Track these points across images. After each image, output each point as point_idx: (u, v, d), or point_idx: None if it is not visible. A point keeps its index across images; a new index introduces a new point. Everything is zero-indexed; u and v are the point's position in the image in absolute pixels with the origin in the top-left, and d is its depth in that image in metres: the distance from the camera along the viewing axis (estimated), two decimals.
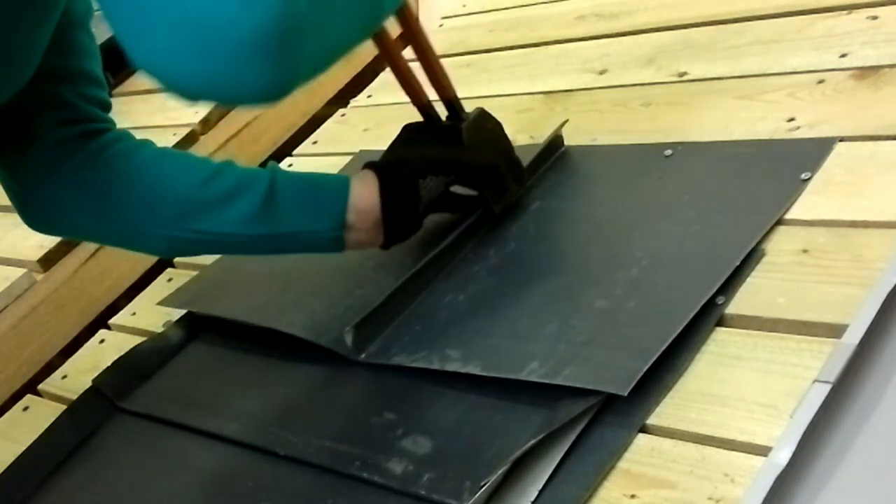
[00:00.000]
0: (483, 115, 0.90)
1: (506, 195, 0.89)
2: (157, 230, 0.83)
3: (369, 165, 0.86)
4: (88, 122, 0.84)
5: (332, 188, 0.84)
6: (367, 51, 1.52)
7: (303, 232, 0.83)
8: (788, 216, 0.76)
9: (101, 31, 1.64)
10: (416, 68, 0.90)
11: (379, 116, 1.19)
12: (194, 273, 1.08)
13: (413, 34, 0.88)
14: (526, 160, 0.93)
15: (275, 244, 0.84)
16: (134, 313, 1.11)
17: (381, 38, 0.87)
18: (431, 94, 0.90)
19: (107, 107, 0.86)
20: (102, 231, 0.86)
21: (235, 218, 0.81)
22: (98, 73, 0.85)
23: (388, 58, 0.89)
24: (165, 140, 1.38)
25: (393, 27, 0.88)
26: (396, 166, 0.87)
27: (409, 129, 0.91)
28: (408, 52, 0.91)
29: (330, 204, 0.83)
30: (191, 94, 0.57)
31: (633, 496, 0.62)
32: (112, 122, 0.86)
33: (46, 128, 0.81)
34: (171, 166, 0.84)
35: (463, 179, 0.88)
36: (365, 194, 0.84)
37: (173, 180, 0.83)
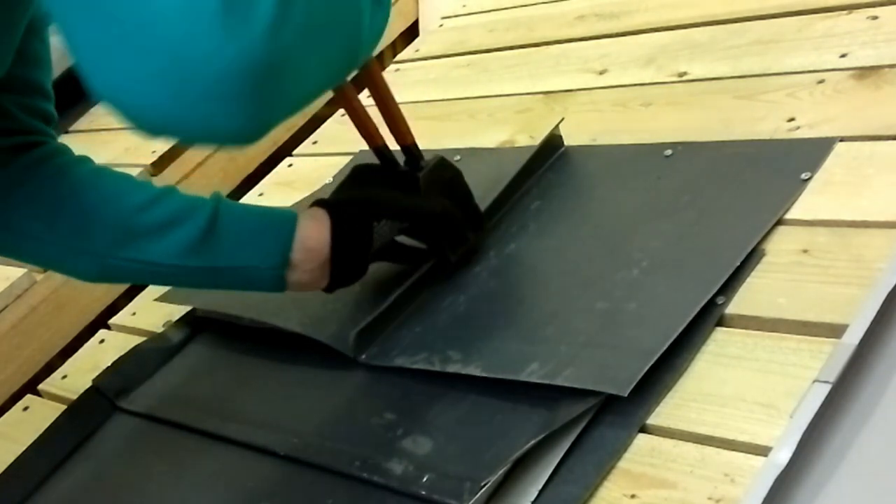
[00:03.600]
0: (442, 164, 0.86)
1: (463, 244, 0.86)
2: (86, 256, 0.78)
3: (319, 203, 0.81)
4: (25, 135, 0.79)
5: (278, 223, 0.79)
6: None
7: (243, 268, 0.79)
8: (788, 216, 0.76)
9: None
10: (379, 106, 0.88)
11: (379, 116, 1.19)
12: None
13: (373, 79, 0.86)
14: (523, 160, 0.93)
15: (212, 279, 0.79)
16: (134, 313, 1.11)
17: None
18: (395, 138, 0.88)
19: (51, 119, 0.82)
20: (25, 251, 0.81)
21: (171, 249, 0.77)
22: (46, 83, 0.81)
23: (342, 99, 0.87)
24: (165, 142, 1.38)
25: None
26: (349, 206, 0.82)
27: (360, 171, 0.87)
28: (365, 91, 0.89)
29: (275, 240, 0.79)
30: (152, 129, 0.52)
31: (633, 496, 0.62)
32: (52, 136, 0.82)
33: None
34: (107, 189, 0.79)
35: (416, 227, 0.84)
36: (314, 233, 0.79)
37: (106, 205, 0.78)
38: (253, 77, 0.49)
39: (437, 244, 0.86)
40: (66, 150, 0.82)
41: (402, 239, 0.85)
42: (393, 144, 0.87)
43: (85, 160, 0.82)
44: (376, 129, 0.87)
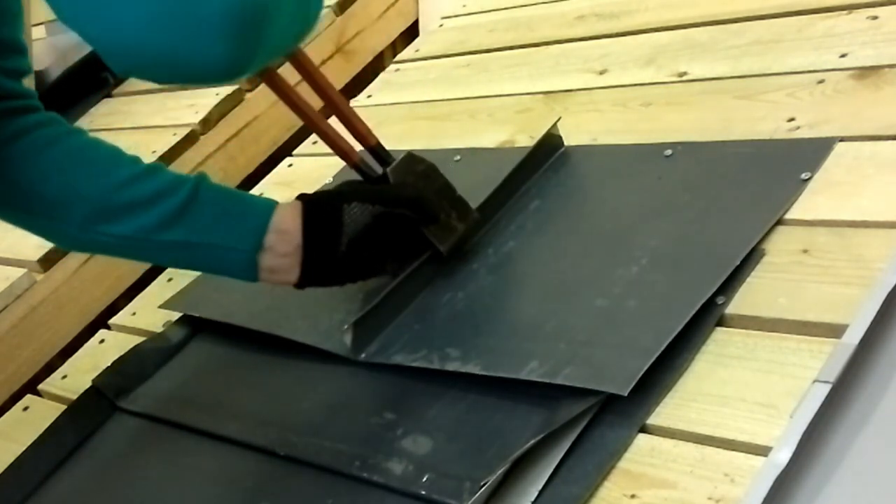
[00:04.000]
0: (411, 158, 0.86)
1: (451, 234, 0.85)
2: (66, 229, 0.79)
3: (298, 197, 0.83)
4: (8, 100, 0.79)
5: (255, 207, 0.82)
6: (366, 52, 1.54)
7: (216, 246, 0.80)
8: (788, 216, 0.76)
9: None
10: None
11: (379, 116, 1.19)
12: (196, 274, 1.08)
13: (321, 87, 0.85)
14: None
15: (185, 255, 0.80)
16: (134, 313, 1.11)
17: (302, 108, 0.85)
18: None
19: (25, 73, 0.81)
20: (9, 217, 0.82)
21: (146, 224, 0.78)
22: (19, 37, 0.80)
23: (313, 125, 0.86)
24: (165, 140, 1.38)
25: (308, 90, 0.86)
26: (320, 194, 0.84)
27: (341, 184, 0.88)
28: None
29: (251, 220, 0.80)
30: (145, 66, 0.57)
31: (633, 496, 0.62)
32: (37, 102, 0.82)
33: None
34: (92, 165, 0.80)
35: (391, 211, 0.82)
36: (287, 217, 0.80)
37: (88, 181, 0.79)
38: (243, 18, 0.57)
39: (421, 234, 0.84)
40: (55, 121, 0.82)
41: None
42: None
43: (77, 132, 0.82)
44: (350, 147, 0.87)
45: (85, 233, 0.79)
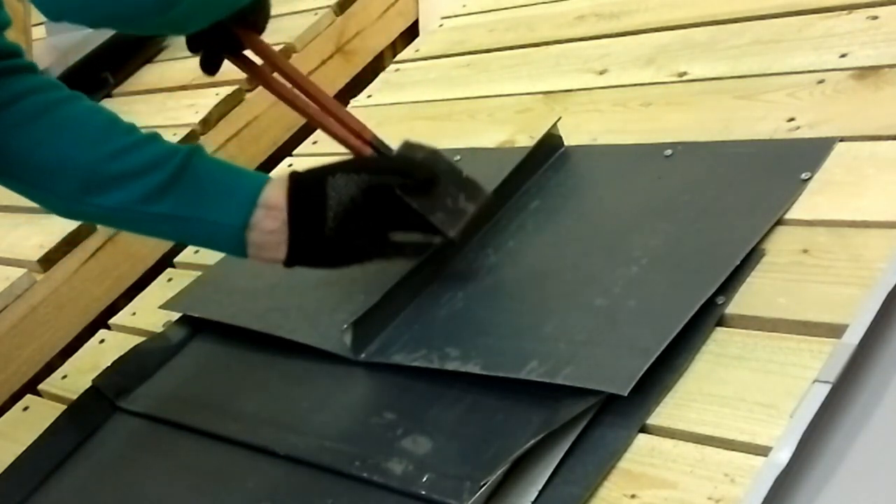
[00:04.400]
0: (410, 145, 0.84)
1: (459, 218, 0.81)
2: (57, 199, 0.79)
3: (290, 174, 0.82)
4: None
5: (246, 180, 0.80)
6: (366, 52, 1.54)
7: (205, 220, 0.78)
8: (788, 216, 0.76)
9: (101, 32, 1.64)
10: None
11: (379, 116, 1.19)
12: (196, 273, 1.08)
13: (310, 94, 0.85)
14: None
15: (174, 228, 0.79)
16: (134, 313, 1.11)
17: (301, 106, 0.84)
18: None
19: (6, 25, 0.79)
20: (3, 183, 0.81)
21: (136, 195, 0.77)
22: None
23: (315, 119, 0.86)
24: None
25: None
26: (309, 169, 0.82)
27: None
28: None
29: (240, 195, 0.79)
30: (75, 8, 0.58)
31: (633, 496, 0.62)
32: (21, 54, 0.80)
33: None
34: (82, 135, 0.78)
35: (376, 175, 0.80)
36: (275, 192, 0.79)
37: (81, 150, 0.77)
38: None
39: (428, 214, 0.80)
40: (49, 86, 0.80)
41: (400, 237, 0.82)
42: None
43: (73, 98, 0.81)
44: (362, 126, 0.86)
45: (76, 204, 0.78)
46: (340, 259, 0.83)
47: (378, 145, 0.85)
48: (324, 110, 0.87)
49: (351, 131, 0.86)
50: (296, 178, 0.80)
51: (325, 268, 0.83)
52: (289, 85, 0.86)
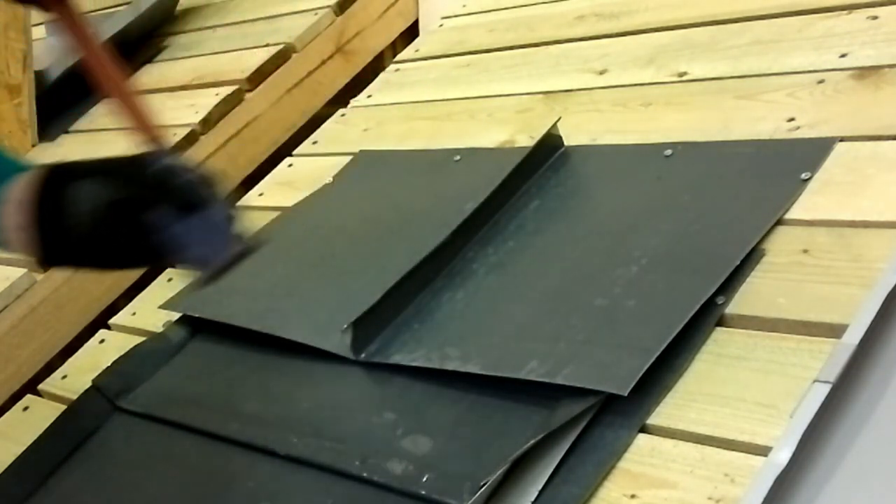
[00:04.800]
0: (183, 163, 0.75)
1: (212, 257, 0.75)
2: None
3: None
4: None
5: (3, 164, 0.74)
6: (366, 52, 1.54)
7: None
8: (788, 216, 0.76)
9: (104, 29, 1.64)
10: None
11: (379, 116, 1.19)
12: (196, 273, 1.08)
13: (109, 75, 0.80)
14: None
15: None
16: (134, 313, 1.11)
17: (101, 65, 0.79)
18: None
19: None
20: None
21: None
22: None
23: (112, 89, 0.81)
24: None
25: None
26: (63, 165, 0.75)
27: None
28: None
29: None
30: None
31: (633, 496, 0.62)
32: None
33: None
34: None
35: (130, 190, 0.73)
36: (23, 187, 0.72)
37: None
38: None
39: (177, 245, 0.73)
40: None
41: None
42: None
43: None
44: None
45: None
46: (104, 263, 0.77)
47: (159, 144, 0.78)
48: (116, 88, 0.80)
49: (136, 115, 0.80)
50: (43, 175, 0.73)
51: (92, 268, 0.77)
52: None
